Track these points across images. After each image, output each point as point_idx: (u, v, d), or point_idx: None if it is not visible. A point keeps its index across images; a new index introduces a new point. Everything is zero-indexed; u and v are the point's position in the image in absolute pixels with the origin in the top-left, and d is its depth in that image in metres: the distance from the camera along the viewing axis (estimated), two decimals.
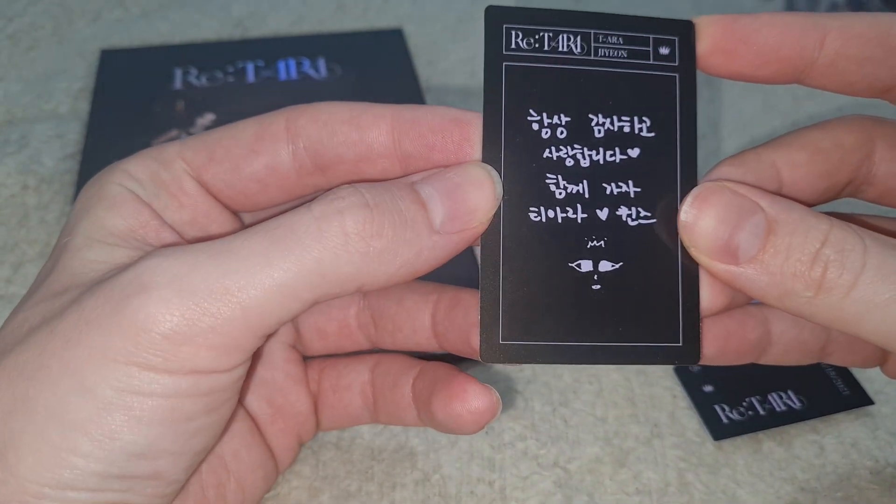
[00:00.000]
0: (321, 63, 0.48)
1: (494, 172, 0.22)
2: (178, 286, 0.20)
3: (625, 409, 0.32)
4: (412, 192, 0.21)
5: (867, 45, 0.23)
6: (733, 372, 0.34)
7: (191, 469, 0.23)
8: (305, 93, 0.45)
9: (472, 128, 0.22)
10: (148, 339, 0.20)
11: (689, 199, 0.23)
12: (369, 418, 0.28)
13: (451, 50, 0.52)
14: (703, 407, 0.33)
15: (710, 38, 0.23)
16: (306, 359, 0.29)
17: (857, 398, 0.33)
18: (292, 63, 0.48)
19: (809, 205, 0.24)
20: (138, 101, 0.45)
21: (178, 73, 0.47)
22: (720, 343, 0.25)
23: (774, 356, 0.27)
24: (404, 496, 0.29)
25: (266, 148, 0.23)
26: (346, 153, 0.23)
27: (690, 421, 0.32)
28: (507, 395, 0.33)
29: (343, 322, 0.28)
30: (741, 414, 0.32)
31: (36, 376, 0.20)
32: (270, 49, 0.49)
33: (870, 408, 0.33)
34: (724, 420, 0.32)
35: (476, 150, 0.22)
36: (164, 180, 0.24)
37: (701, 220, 0.22)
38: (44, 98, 0.47)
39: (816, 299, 0.21)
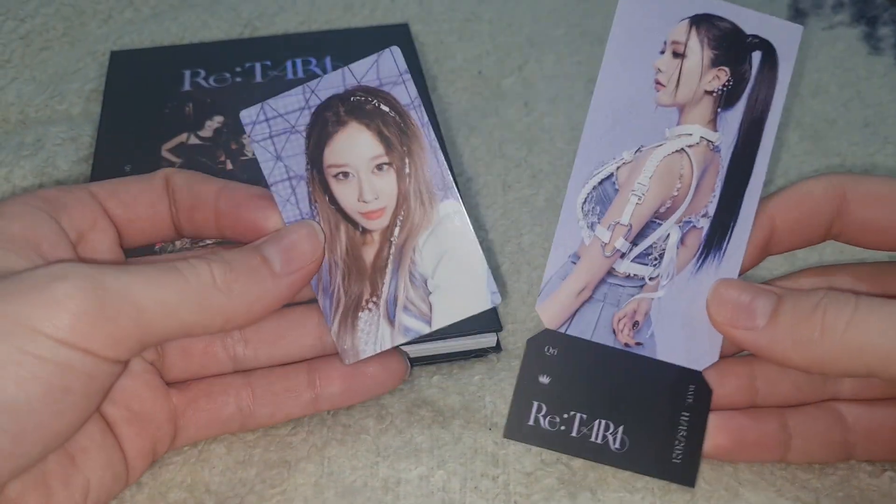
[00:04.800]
0: (328, 62, 0.48)
1: (317, 226, 0.30)
2: (92, 280, 0.24)
3: None
4: (256, 251, 0.28)
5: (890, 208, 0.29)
6: (583, 379, 0.30)
7: (44, 450, 0.25)
8: None
9: (268, 200, 0.30)
10: (60, 313, 0.23)
11: (715, 283, 0.29)
12: (240, 423, 0.31)
13: (458, 49, 0.52)
14: (522, 396, 0.29)
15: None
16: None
17: (681, 475, 0.29)
18: (299, 62, 0.48)
19: (800, 246, 0.31)
20: (148, 103, 0.45)
21: (188, 74, 0.47)
22: (734, 435, 0.30)
23: (797, 452, 0.30)
24: (408, 491, 0.30)
25: (155, 185, 0.30)
26: (189, 201, 0.30)
27: None
28: (509, 391, 0.33)
29: (209, 341, 0.31)
30: (552, 425, 0.29)
31: None
32: (277, 48, 0.49)
33: None
34: (529, 421, 0.29)
35: (268, 213, 0.30)
36: (70, 201, 0.28)
37: (727, 292, 0.29)
38: (56, 99, 0.48)
39: (824, 338, 0.26)
